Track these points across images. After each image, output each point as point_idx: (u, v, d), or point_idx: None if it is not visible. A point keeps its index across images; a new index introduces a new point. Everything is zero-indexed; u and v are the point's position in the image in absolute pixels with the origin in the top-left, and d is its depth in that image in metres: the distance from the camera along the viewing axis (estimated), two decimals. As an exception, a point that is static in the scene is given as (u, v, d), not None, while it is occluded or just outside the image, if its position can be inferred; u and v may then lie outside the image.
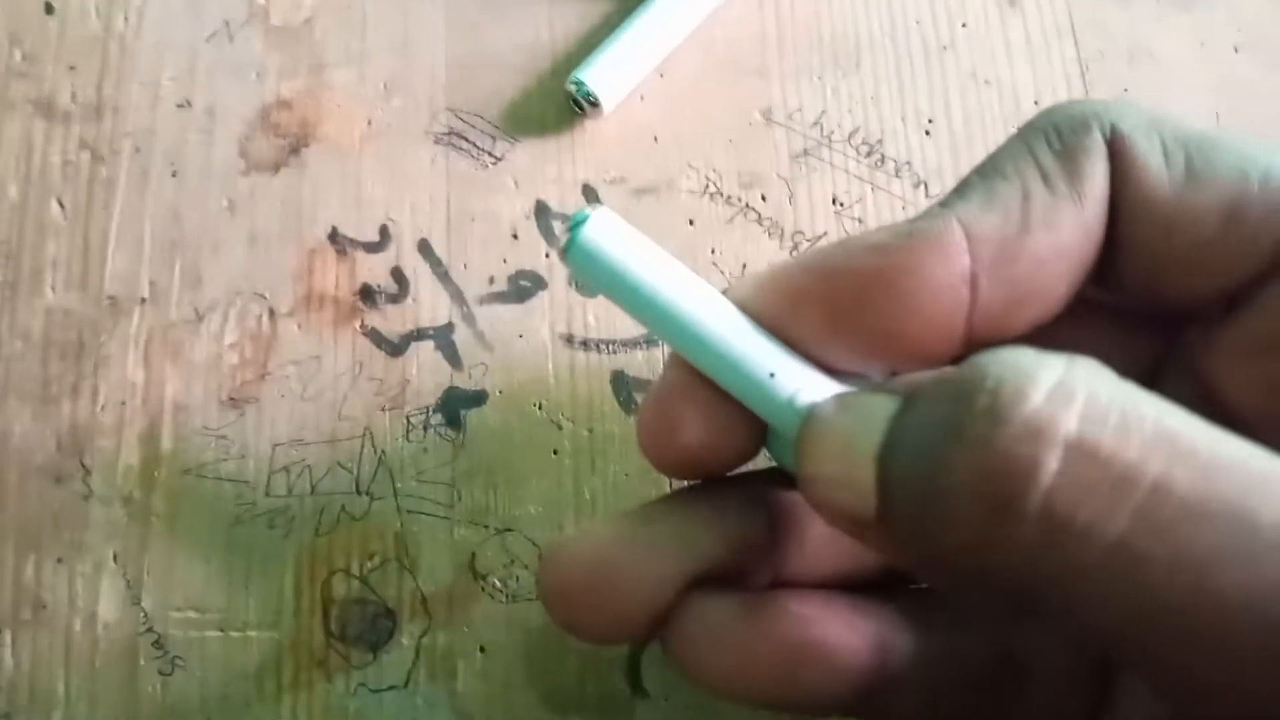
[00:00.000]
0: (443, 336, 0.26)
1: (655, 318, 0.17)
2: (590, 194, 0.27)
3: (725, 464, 0.18)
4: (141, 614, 0.24)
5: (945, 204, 0.16)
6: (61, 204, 0.27)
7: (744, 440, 0.17)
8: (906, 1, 0.29)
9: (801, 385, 0.16)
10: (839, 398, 0.16)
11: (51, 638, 0.24)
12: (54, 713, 0.23)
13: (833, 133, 0.27)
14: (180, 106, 0.28)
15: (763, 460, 0.18)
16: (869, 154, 0.27)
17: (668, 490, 0.24)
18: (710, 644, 0.17)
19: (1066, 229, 0.16)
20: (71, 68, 0.28)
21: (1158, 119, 0.17)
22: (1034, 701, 0.18)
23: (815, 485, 0.16)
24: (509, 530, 0.24)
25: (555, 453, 0.25)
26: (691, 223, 0.26)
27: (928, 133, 0.27)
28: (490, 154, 0.27)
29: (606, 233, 0.17)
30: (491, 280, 0.26)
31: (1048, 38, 0.28)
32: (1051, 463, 0.12)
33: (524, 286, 0.26)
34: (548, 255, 0.26)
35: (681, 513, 0.18)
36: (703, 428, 0.17)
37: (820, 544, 0.19)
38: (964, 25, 0.28)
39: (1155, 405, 0.13)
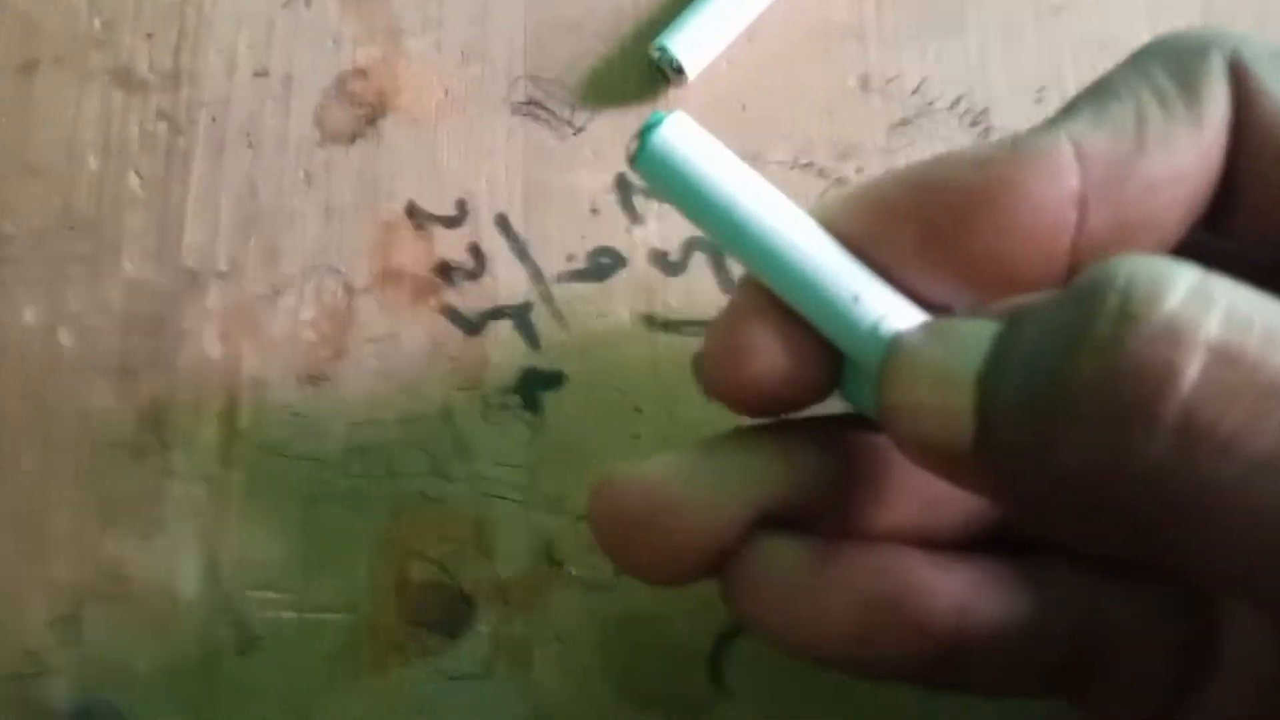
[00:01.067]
0: (520, 315, 0.25)
1: (730, 232, 0.16)
2: (674, 167, 0.25)
3: (796, 399, 0.17)
4: (219, 592, 0.24)
5: (1054, 122, 0.15)
6: (139, 175, 0.27)
7: (819, 373, 0.16)
8: (1017, -43, 0.27)
9: (887, 312, 0.15)
10: (930, 324, 0.15)
11: (130, 613, 0.24)
12: (136, 686, 0.23)
13: (935, 100, 0.26)
14: (257, 75, 0.27)
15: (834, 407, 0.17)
16: (974, 124, 0.25)
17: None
18: (778, 590, 0.16)
19: (1183, 152, 0.15)
20: (149, 36, 0.27)
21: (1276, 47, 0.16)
22: (1116, 680, 0.17)
23: (901, 415, 0.15)
24: (586, 517, 0.23)
25: (635, 438, 0.24)
26: (781, 197, 0.25)
27: (1039, 100, 0.25)
28: (570, 124, 0.26)
29: (681, 139, 0.16)
30: (570, 258, 0.25)
31: (1171, -4, 0.26)
32: (1192, 368, 0.11)
33: (604, 264, 0.25)
34: (628, 231, 0.25)
35: (749, 447, 0.17)
36: (775, 356, 0.16)
37: (896, 495, 0.17)
38: (1084, -20, 0.26)
39: None
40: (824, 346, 0.16)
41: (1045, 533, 0.16)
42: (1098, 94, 0.16)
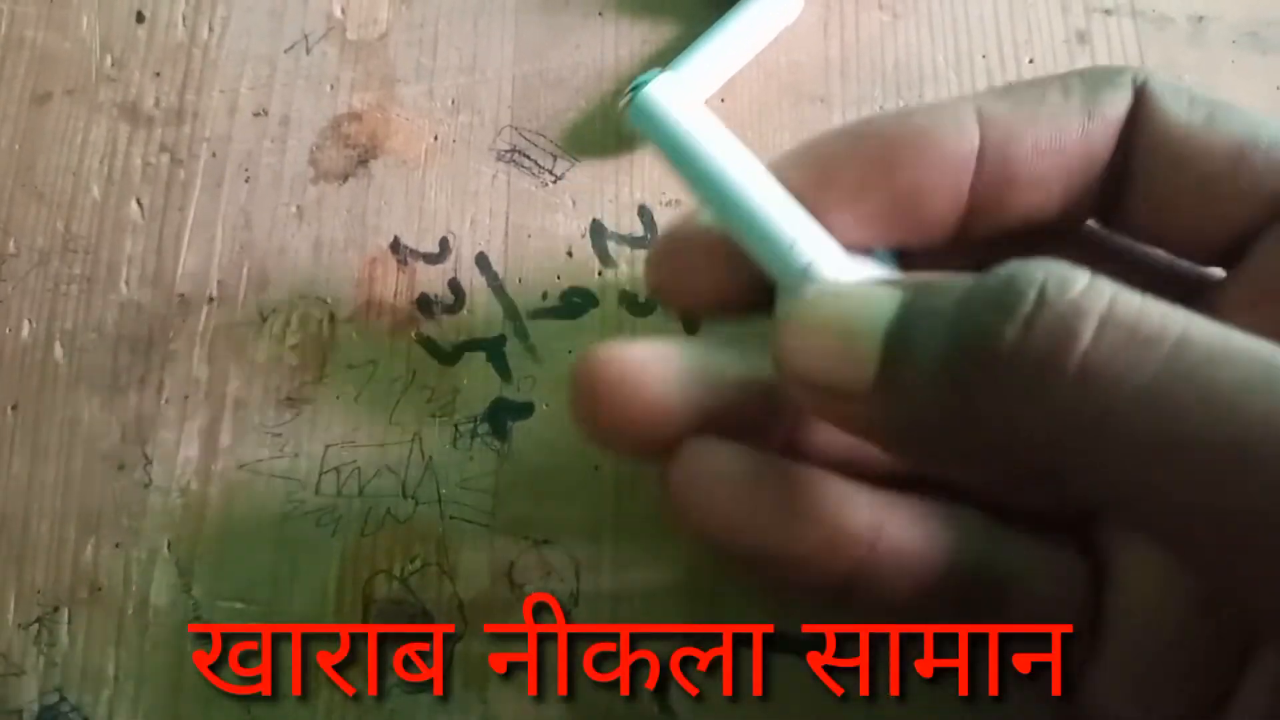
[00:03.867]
0: (494, 348, 0.26)
1: (698, 177, 0.19)
2: (646, 215, 0.27)
3: (725, 312, 0.21)
4: (191, 602, 0.25)
5: (966, 97, 0.19)
6: (140, 204, 0.28)
7: (748, 296, 0.20)
8: (973, 34, 0.28)
9: (818, 256, 0.18)
10: (836, 283, 0.18)
11: (105, 619, 0.25)
12: (103, 691, 0.24)
13: (891, 164, 0.27)
14: (256, 115, 0.29)
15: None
16: (926, 186, 0.27)
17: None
18: (712, 486, 0.19)
19: (1070, 129, 0.19)
20: (157, 74, 0.29)
21: (1188, 87, 0.19)
22: (1013, 613, 0.20)
23: (802, 357, 0.17)
24: (547, 543, 0.25)
25: (597, 469, 0.25)
26: (745, 247, 0.27)
27: (987, 167, 0.27)
28: (551, 173, 0.28)
29: (666, 95, 0.19)
30: (545, 296, 0.27)
31: (1116, 76, 0.28)
32: (1088, 331, 0.14)
33: (576, 303, 0.26)
34: (600, 273, 0.27)
35: (721, 346, 0.20)
36: (711, 273, 0.20)
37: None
38: (1031, 60, 0.28)
39: (1169, 304, 0.15)
40: (755, 274, 0.19)
41: (919, 466, 0.19)
42: (1013, 86, 0.20)
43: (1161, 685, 0.19)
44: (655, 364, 0.19)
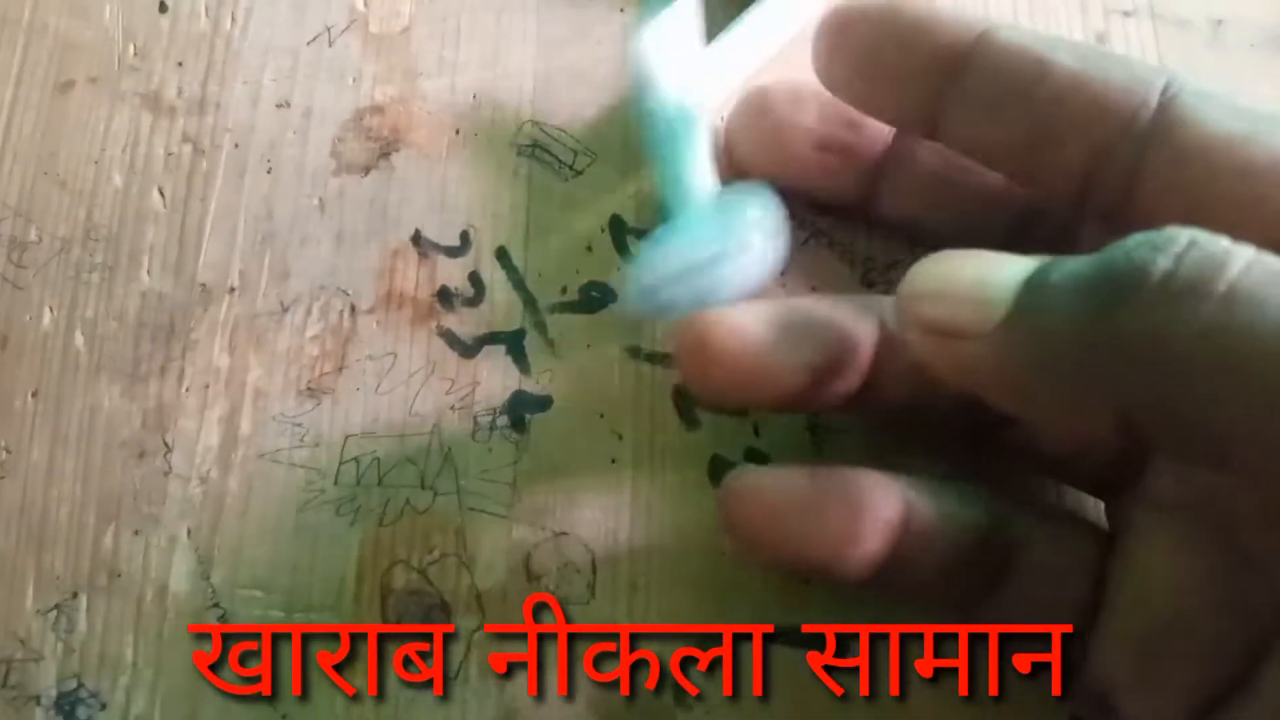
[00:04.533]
0: (514, 341, 0.26)
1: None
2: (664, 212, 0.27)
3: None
4: (210, 589, 0.25)
5: None
6: (162, 193, 0.28)
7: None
8: (993, 37, 0.29)
9: (694, 183, 0.24)
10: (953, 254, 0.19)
11: (124, 606, 0.25)
12: (121, 677, 0.24)
13: (910, 163, 0.27)
14: (279, 106, 0.29)
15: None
16: (946, 186, 0.27)
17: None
18: (763, 516, 0.21)
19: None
20: (180, 64, 0.29)
21: (1230, 97, 0.19)
22: (1022, 583, 0.21)
23: (925, 300, 0.18)
24: (564, 534, 0.25)
25: (614, 461, 0.25)
26: (764, 244, 0.27)
27: (1007, 168, 0.27)
28: (571, 168, 0.28)
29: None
30: (564, 290, 0.27)
31: (1135, 79, 0.28)
32: (1237, 266, 0.15)
33: (594, 298, 0.27)
34: (619, 269, 0.27)
35: (815, 318, 0.22)
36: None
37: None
38: (1050, 63, 0.28)
39: None
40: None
41: (1027, 410, 0.19)
42: None
43: (1166, 660, 0.19)
44: (754, 324, 0.21)
